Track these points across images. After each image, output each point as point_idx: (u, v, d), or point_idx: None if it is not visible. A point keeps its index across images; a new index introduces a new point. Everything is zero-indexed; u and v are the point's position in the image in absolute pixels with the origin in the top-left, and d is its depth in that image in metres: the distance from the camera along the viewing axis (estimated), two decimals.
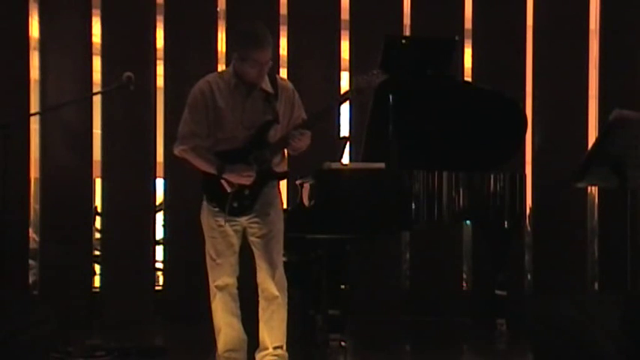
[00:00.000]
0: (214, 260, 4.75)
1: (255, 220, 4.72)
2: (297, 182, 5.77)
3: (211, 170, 4.65)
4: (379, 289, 6.99)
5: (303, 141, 4.69)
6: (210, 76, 4.81)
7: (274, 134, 4.69)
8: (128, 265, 6.95)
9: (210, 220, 4.75)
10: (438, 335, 6.61)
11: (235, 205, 4.67)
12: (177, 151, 4.77)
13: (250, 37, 4.65)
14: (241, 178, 4.61)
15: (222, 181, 4.64)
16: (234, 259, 4.77)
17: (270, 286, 4.72)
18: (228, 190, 4.64)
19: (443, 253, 7.04)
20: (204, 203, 4.79)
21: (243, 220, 4.73)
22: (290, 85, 4.85)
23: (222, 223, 4.71)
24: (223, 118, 4.67)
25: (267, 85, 4.70)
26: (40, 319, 4.19)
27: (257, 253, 4.75)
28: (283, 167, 4.82)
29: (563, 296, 3.31)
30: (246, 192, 4.66)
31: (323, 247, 5.46)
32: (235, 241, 4.75)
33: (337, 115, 7.16)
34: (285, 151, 4.81)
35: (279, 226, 4.79)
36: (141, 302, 6.97)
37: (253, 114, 4.68)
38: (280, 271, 4.75)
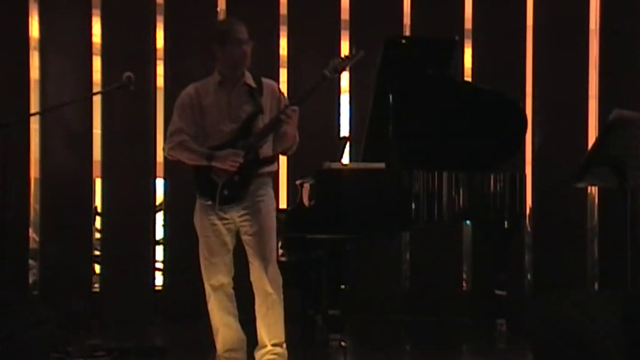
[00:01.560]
0: (208, 260, 4.78)
1: (247, 217, 4.75)
2: (297, 182, 5.77)
3: (201, 161, 4.71)
4: (379, 289, 6.99)
5: (291, 124, 4.71)
6: (197, 83, 4.93)
7: (260, 125, 4.76)
8: (128, 265, 6.95)
9: (204, 219, 4.79)
10: (438, 335, 6.61)
11: (226, 192, 4.71)
12: (165, 151, 4.88)
13: (222, 21, 4.97)
14: (228, 161, 4.64)
15: (213, 170, 4.67)
16: (228, 259, 4.80)
17: (264, 283, 4.73)
18: (218, 180, 4.69)
19: (443, 253, 7.04)
20: (197, 202, 4.83)
21: (236, 217, 4.75)
22: (274, 83, 4.97)
23: (216, 221, 4.74)
24: (210, 114, 4.77)
25: (250, 81, 4.81)
26: (40, 319, 4.19)
27: (249, 251, 4.78)
28: (268, 152, 4.82)
29: (563, 296, 3.31)
30: (236, 179, 4.70)
31: (323, 247, 5.45)
32: (229, 239, 4.79)
33: (337, 115, 7.17)
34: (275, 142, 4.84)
35: (271, 223, 4.82)
36: (141, 302, 6.98)
37: (239, 107, 4.78)
38: (273, 267, 4.77)
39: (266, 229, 4.78)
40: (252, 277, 4.77)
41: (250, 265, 4.78)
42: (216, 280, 4.77)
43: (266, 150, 4.79)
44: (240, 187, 4.72)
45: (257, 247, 4.75)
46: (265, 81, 4.88)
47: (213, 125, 4.76)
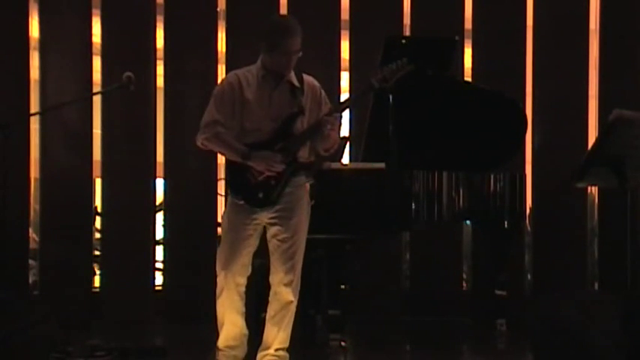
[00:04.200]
0: (228, 259, 4.69)
1: (277, 221, 4.67)
2: None
3: (236, 157, 4.60)
4: (379, 289, 6.98)
5: (335, 130, 4.66)
6: (238, 71, 4.79)
7: (300, 127, 4.67)
8: (128, 265, 6.95)
9: (233, 217, 4.70)
10: (438, 335, 6.61)
11: (261, 195, 4.62)
12: (199, 141, 4.71)
13: (279, 25, 4.73)
14: (268, 165, 4.56)
15: (250, 169, 4.58)
16: (247, 260, 4.72)
17: (285, 291, 4.67)
18: (253, 180, 4.60)
19: (443, 253, 7.04)
20: (230, 199, 4.75)
21: (265, 218, 4.67)
22: (316, 82, 4.84)
23: (245, 222, 4.66)
24: (250, 110, 4.65)
25: (293, 79, 4.70)
26: (40, 319, 4.20)
27: (274, 256, 4.69)
28: (305, 156, 4.75)
29: (563, 296, 3.31)
30: (272, 182, 4.62)
31: (323, 247, 5.45)
32: (253, 241, 4.71)
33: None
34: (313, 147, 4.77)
35: (303, 228, 4.72)
36: (141, 302, 6.97)
37: (280, 106, 4.66)
38: (297, 277, 4.69)
39: (296, 237, 4.68)
40: (272, 281, 4.70)
41: (272, 268, 4.70)
42: (233, 279, 4.70)
43: (303, 154, 4.70)
44: (276, 191, 4.62)
45: (283, 255, 4.67)
46: (307, 79, 4.77)
47: (252, 123, 4.64)
